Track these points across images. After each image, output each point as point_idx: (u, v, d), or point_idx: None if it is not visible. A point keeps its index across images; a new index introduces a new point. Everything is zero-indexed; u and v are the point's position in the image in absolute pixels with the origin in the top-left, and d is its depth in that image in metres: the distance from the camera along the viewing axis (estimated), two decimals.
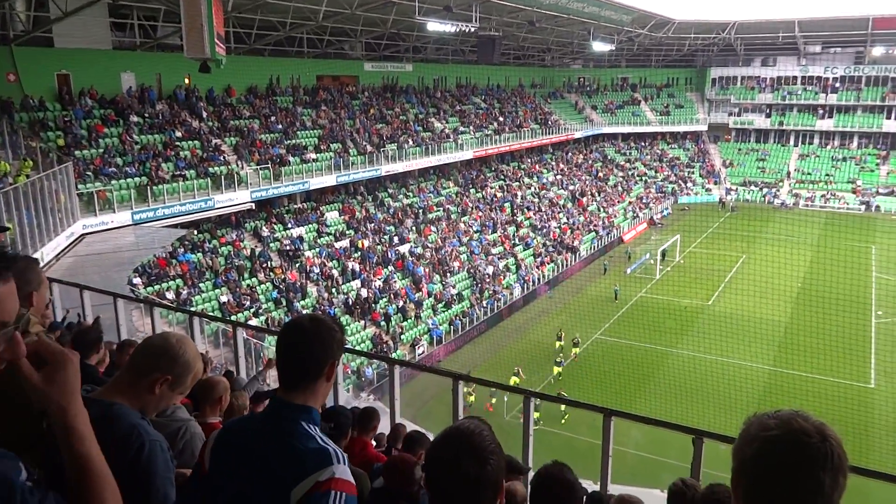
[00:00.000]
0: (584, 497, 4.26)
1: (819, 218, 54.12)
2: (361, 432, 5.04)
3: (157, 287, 25.77)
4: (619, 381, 26.33)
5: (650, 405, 23.62)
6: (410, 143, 43.05)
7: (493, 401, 24.46)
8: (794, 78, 67.93)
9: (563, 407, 26.07)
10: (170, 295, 25.87)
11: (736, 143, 69.76)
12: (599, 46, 56.63)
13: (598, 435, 5.53)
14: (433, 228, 40.88)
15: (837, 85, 66.02)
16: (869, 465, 5.41)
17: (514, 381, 25.95)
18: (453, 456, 1.68)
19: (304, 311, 27.47)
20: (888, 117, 63.49)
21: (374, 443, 6.82)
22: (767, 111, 68.62)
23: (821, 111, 66.46)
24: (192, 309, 23.84)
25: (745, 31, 64.07)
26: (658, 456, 15.87)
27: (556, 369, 28.67)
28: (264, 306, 28.71)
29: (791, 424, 1.35)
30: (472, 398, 24.65)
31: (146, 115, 30.77)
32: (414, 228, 40.15)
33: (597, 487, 5.57)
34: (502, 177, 52.64)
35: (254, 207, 31.97)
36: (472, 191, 48.41)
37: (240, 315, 26.59)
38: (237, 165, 31.79)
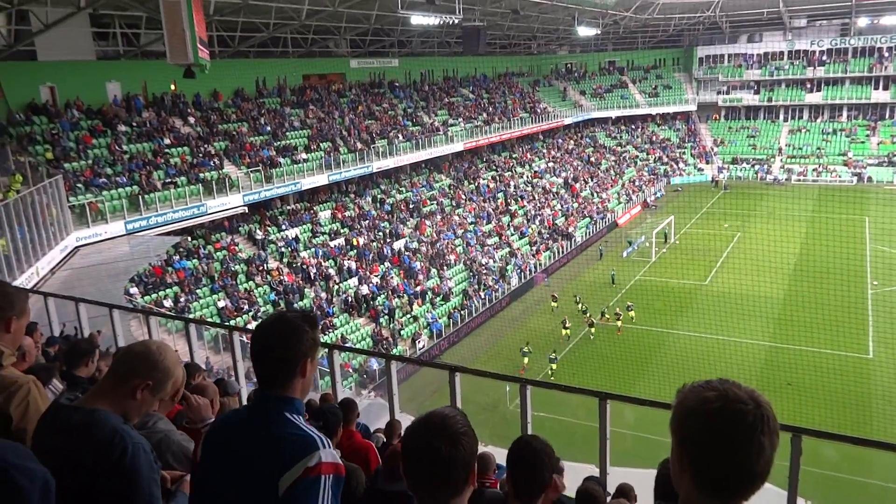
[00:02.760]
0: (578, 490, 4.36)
1: (812, 192, 54.24)
2: (345, 424, 5.20)
3: (154, 296, 25.75)
4: (619, 364, 26.45)
5: (651, 387, 23.72)
6: (400, 138, 42.99)
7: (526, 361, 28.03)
8: (781, 53, 67.86)
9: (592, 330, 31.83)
10: (168, 303, 25.87)
11: (726, 121, 69.78)
12: (585, 31, 56.49)
13: (597, 419, 5.58)
14: (427, 222, 40.88)
15: (824, 58, 65.96)
16: (870, 434, 5.47)
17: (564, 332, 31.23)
18: (426, 437, 1.75)
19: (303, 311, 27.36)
20: (876, 88, 63.53)
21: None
22: (756, 88, 68.58)
23: (809, 85, 66.46)
24: (191, 315, 23.87)
25: (729, 8, 63.89)
26: (658, 436, 15.97)
27: (552, 366, 28.61)
28: (263, 309, 28.71)
29: (728, 395, 1.43)
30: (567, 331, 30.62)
31: (134, 123, 30.66)
32: (409, 223, 40.14)
33: (597, 470, 5.64)
34: (494, 167, 52.62)
35: (247, 211, 31.93)
36: (465, 183, 48.39)
37: (238, 319, 26.61)
38: (228, 169, 31.73)
